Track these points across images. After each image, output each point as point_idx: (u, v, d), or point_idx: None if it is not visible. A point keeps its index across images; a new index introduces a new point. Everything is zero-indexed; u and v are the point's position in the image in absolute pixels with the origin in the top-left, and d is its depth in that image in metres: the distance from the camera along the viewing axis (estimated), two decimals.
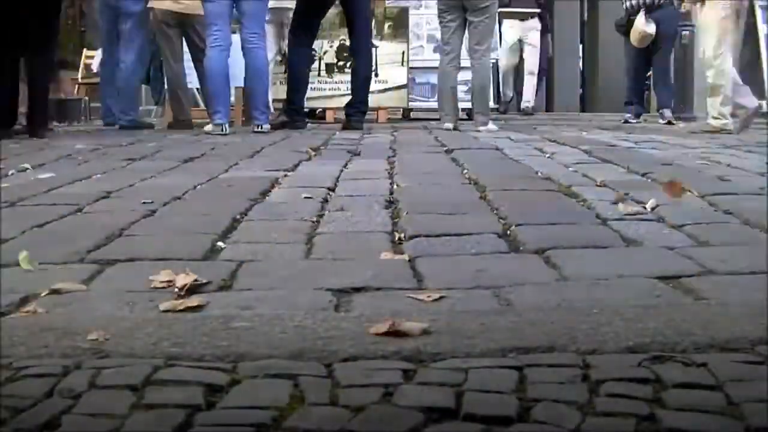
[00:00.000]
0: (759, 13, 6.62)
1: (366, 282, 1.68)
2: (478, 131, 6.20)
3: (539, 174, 3.39)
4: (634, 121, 8.08)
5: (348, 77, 8.41)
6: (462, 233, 2.15)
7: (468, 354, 1.21)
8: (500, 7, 8.13)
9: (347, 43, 8.37)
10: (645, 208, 2.45)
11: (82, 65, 11.07)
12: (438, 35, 8.64)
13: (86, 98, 10.17)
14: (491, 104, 9.40)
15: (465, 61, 6.77)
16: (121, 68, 7.26)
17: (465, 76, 7.24)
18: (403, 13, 8.57)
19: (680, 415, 0.99)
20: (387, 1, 9.57)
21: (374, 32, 8.36)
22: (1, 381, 1.11)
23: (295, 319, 1.37)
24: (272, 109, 7.56)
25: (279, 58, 7.72)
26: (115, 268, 1.84)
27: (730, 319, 1.35)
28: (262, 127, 6.25)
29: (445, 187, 3.10)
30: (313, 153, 4.40)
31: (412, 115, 8.85)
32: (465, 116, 7.79)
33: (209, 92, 6.54)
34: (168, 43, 7.31)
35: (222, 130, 6.13)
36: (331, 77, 8.44)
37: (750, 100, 5.74)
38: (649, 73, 12.47)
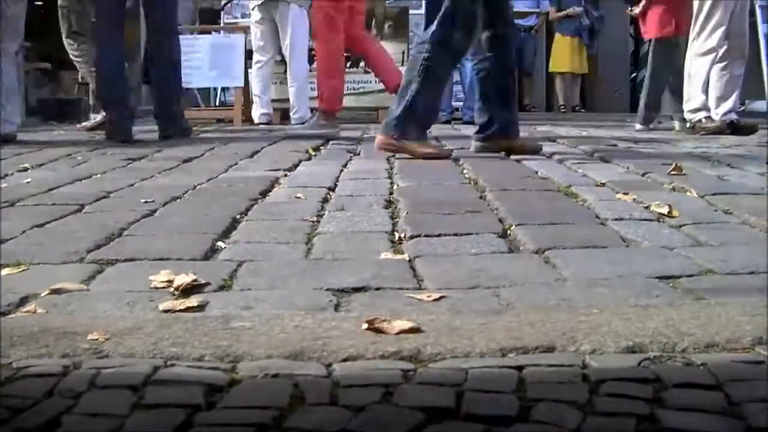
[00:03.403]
0: (759, 13, 6.61)
1: (366, 282, 1.68)
2: None
3: (539, 174, 3.39)
4: None
5: (348, 77, 8.41)
6: (461, 233, 2.15)
7: (468, 354, 1.22)
8: None
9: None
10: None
11: None
12: None
13: (86, 98, 10.15)
14: None
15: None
16: None
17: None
18: (403, 13, 8.57)
19: (680, 415, 0.99)
20: (387, 1, 9.58)
21: (374, 32, 8.38)
22: (1, 381, 1.11)
23: (295, 319, 1.37)
24: (271, 110, 7.57)
25: (278, 57, 7.72)
26: (115, 268, 1.84)
27: (730, 319, 1.35)
28: None
29: (444, 187, 3.10)
30: (313, 153, 4.41)
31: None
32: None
33: None
34: None
35: None
36: None
37: None
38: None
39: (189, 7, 6.70)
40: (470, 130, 6.55)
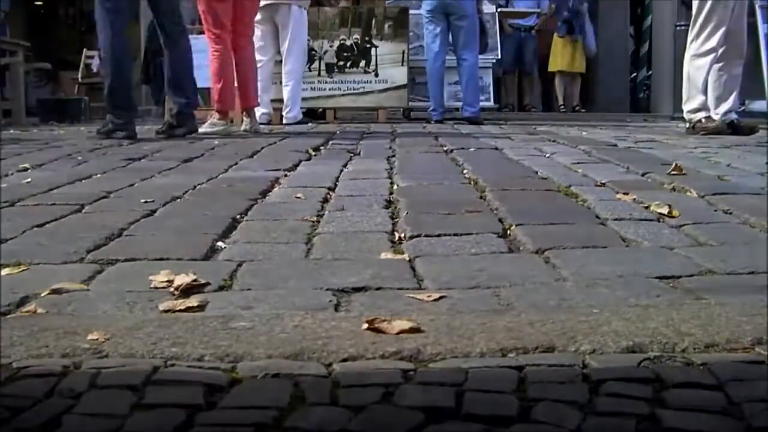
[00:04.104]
0: (759, 13, 6.62)
1: (366, 282, 1.68)
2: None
3: (539, 174, 3.39)
4: None
5: (348, 77, 8.43)
6: (462, 233, 2.15)
7: (468, 354, 1.22)
8: (499, 7, 8.21)
9: (347, 42, 8.39)
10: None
11: (82, 65, 11.07)
12: None
13: (86, 98, 10.18)
14: (491, 104, 9.46)
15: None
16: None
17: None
18: (403, 13, 8.58)
19: (680, 415, 0.99)
20: (387, 1, 9.58)
21: (374, 32, 8.38)
22: (1, 381, 1.11)
23: (295, 319, 1.37)
24: (271, 110, 7.58)
25: (278, 58, 7.73)
26: (115, 268, 1.84)
27: (730, 319, 1.35)
28: None
29: (444, 187, 3.10)
30: (313, 153, 4.41)
31: (412, 115, 8.86)
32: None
33: None
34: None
35: None
36: (331, 77, 8.45)
37: None
38: (649, 72, 12.50)
39: (189, 7, 6.69)
40: (470, 129, 6.57)
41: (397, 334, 1.28)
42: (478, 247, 2.02)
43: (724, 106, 5.71)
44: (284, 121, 7.57)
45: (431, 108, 8.04)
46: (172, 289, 1.63)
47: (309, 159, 4.15)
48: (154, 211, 2.54)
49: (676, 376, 1.11)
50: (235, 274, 1.77)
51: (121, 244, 2.09)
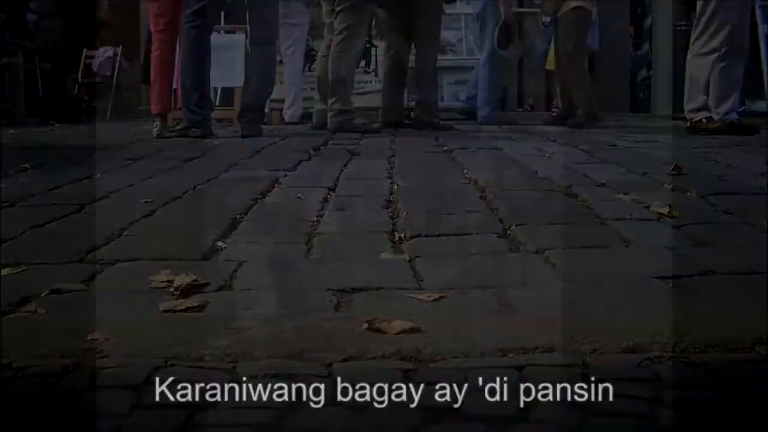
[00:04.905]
0: (759, 13, 6.61)
1: (366, 282, 1.68)
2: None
3: (539, 174, 3.39)
4: None
5: None
6: (462, 233, 2.15)
7: (468, 354, 1.22)
8: None
9: None
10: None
11: (82, 65, 11.06)
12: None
13: (86, 98, 10.17)
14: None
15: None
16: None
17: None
18: None
19: (680, 415, 0.99)
20: None
21: (374, 32, 8.37)
22: (1, 381, 1.11)
23: (295, 319, 1.37)
24: (269, 110, 7.57)
25: (279, 57, 7.72)
26: (115, 268, 1.84)
27: (730, 319, 1.35)
28: None
29: (444, 187, 3.10)
30: (313, 153, 4.41)
31: (413, 114, 8.84)
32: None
33: None
34: None
35: None
36: None
37: None
38: (649, 72, 12.51)
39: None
40: (470, 129, 6.57)
41: (397, 334, 1.28)
42: (479, 247, 2.02)
43: (725, 106, 5.71)
44: (285, 120, 7.56)
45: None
46: (172, 289, 1.63)
47: (309, 159, 4.14)
48: (154, 211, 2.54)
49: (676, 376, 1.11)
50: (235, 274, 1.77)
51: (121, 244, 2.09)
